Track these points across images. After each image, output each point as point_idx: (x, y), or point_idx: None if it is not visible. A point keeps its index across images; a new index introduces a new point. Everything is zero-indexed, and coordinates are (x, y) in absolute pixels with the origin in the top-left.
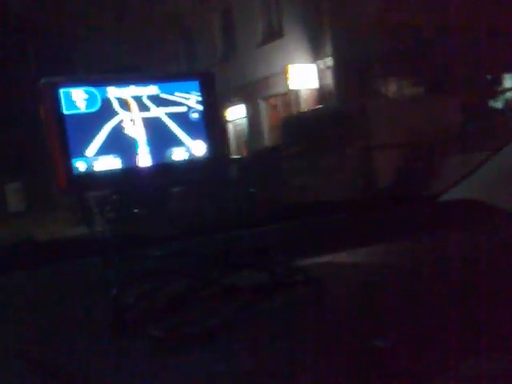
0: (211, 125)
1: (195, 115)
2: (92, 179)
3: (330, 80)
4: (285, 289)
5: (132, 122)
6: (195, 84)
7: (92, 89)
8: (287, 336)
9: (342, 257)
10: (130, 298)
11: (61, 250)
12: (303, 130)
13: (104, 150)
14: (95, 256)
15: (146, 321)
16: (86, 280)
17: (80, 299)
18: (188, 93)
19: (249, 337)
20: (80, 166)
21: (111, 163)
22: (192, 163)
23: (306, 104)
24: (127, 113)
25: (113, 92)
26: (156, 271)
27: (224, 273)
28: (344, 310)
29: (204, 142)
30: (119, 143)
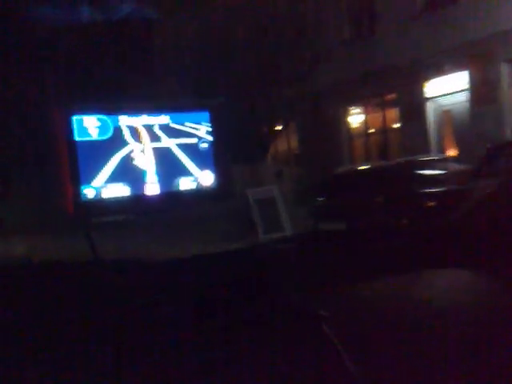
0: (220, 155)
1: (204, 146)
2: (99, 206)
3: None
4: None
5: (142, 152)
6: (205, 115)
7: (105, 117)
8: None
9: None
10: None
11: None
12: None
13: (113, 178)
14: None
15: None
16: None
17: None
18: (198, 123)
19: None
20: (88, 192)
21: (119, 191)
22: (199, 193)
23: None
24: (138, 143)
25: (125, 121)
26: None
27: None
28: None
29: (212, 172)
30: (128, 172)
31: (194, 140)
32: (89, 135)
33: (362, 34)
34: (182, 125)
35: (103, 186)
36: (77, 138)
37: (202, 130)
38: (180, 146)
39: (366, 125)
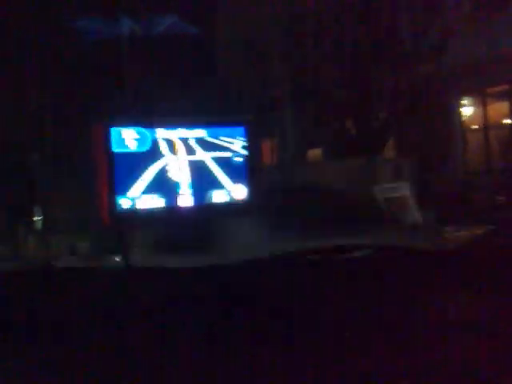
0: (253, 169)
1: (238, 160)
2: (134, 217)
3: None
4: None
5: (177, 165)
6: (241, 130)
7: (143, 129)
8: None
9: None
10: None
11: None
12: None
13: (148, 189)
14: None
15: None
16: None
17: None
18: (233, 138)
19: None
20: (124, 203)
21: (154, 202)
22: (232, 206)
23: None
24: (173, 156)
25: (162, 133)
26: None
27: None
28: None
29: (245, 185)
30: (163, 184)
31: (228, 154)
32: (127, 147)
33: (486, 10)
34: (217, 139)
35: (138, 197)
36: (115, 150)
37: (236, 145)
38: (214, 159)
39: (484, 118)
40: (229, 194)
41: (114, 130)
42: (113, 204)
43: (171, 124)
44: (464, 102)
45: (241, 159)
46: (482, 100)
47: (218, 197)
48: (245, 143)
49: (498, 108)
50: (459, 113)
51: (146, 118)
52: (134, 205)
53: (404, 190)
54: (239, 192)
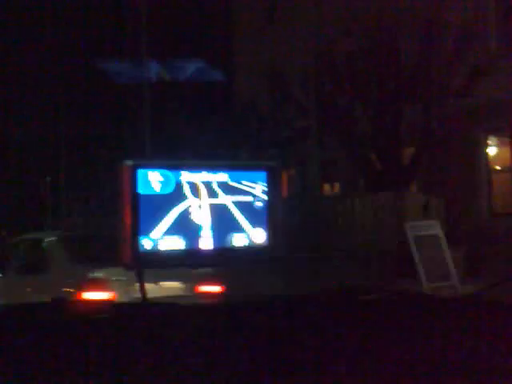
0: (273, 214)
1: (259, 204)
2: (155, 257)
3: None
4: None
5: (199, 207)
6: (263, 175)
7: (167, 172)
8: None
9: None
10: None
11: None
12: None
13: (170, 230)
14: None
15: None
16: None
17: None
18: (255, 182)
19: None
20: (146, 244)
21: (175, 244)
22: (251, 249)
23: None
24: (196, 199)
25: (186, 176)
26: None
27: None
28: None
29: (264, 230)
30: (185, 226)
31: (249, 198)
32: (151, 189)
33: None
34: (239, 183)
35: (160, 238)
36: (140, 192)
37: (257, 189)
38: (235, 203)
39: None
40: (248, 238)
41: (140, 172)
42: (135, 244)
43: (195, 167)
44: (491, 141)
45: (261, 204)
46: (509, 140)
47: (237, 240)
48: (266, 188)
49: None
50: (485, 152)
51: (171, 161)
52: (155, 246)
53: (435, 229)
54: (259, 236)
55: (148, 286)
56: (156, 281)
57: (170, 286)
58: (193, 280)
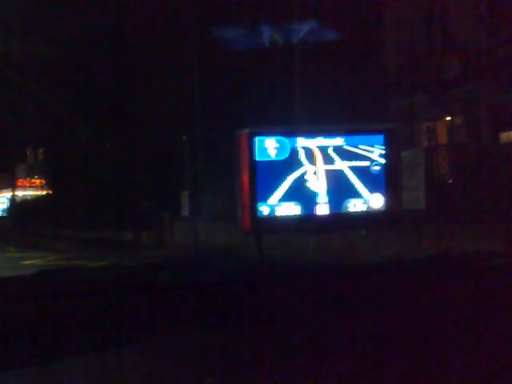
0: (391, 178)
1: (376, 168)
2: (273, 223)
3: None
4: None
5: (315, 174)
6: (380, 138)
7: (283, 138)
8: None
9: None
10: None
11: None
12: None
13: (287, 197)
14: None
15: None
16: None
17: None
18: (372, 146)
19: None
20: (264, 210)
21: (291, 210)
22: (368, 215)
23: None
24: (311, 165)
25: (301, 142)
26: None
27: None
28: None
29: (382, 195)
30: (301, 192)
31: (366, 163)
32: (268, 156)
33: None
34: (356, 147)
35: (277, 205)
36: (257, 158)
37: (375, 153)
38: (352, 168)
39: None
40: (366, 204)
41: (257, 139)
42: (254, 210)
43: (310, 132)
44: None
45: (379, 168)
46: None
47: (355, 206)
48: (384, 152)
49: None
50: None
51: (287, 127)
52: (273, 212)
53: None
54: (377, 201)
55: None
56: None
57: None
58: None
